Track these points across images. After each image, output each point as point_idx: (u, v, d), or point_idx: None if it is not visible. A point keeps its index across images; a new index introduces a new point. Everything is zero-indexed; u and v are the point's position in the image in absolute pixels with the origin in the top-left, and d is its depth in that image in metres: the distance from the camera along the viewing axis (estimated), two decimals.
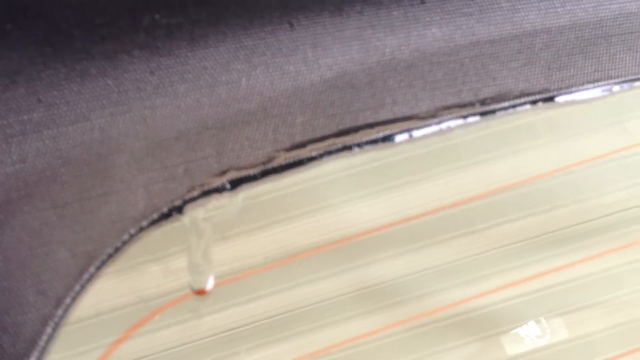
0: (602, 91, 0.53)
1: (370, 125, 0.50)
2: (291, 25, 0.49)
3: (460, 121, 0.51)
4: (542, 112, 0.53)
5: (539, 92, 0.52)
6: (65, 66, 0.46)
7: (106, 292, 0.51)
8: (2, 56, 0.45)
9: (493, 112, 0.52)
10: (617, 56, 0.54)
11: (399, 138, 0.50)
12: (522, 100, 0.52)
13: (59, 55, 0.46)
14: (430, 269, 0.56)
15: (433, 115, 0.51)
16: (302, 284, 0.54)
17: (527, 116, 0.55)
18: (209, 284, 0.51)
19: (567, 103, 0.53)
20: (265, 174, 0.49)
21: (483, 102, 0.51)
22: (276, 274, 0.54)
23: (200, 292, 0.51)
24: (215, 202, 0.48)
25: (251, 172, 0.48)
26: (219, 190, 0.48)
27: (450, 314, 0.56)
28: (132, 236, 0.46)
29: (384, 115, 0.50)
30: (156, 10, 0.47)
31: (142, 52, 0.47)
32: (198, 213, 0.48)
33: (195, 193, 0.48)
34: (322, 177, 0.53)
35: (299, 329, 0.54)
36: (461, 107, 0.51)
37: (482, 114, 0.52)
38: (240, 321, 0.53)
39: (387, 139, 0.50)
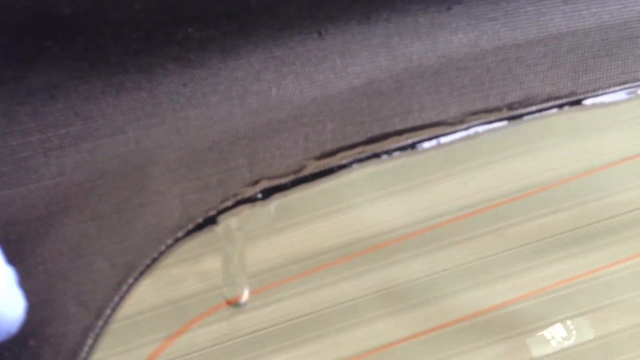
0: (628, 94, 0.53)
1: (399, 132, 0.50)
2: (320, 34, 0.50)
3: (487, 126, 0.51)
4: (566, 113, 0.53)
5: (566, 96, 0.52)
6: (101, 80, 0.47)
7: (142, 303, 0.51)
8: (42, 71, 0.46)
9: (520, 116, 0.52)
10: None
11: (426, 145, 0.51)
12: (549, 104, 0.52)
13: (95, 70, 0.47)
14: (452, 268, 0.56)
15: (461, 120, 0.51)
16: (324, 286, 0.55)
17: (550, 116, 0.55)
18: (244, 295, 0.51)
19: (594, 106, 0.53)
20: (296, 183, 0.49)
21: (510, 107, 0.52)
22: (299, 277, 0.54)
23: (234, 302, 0.52)
24: (248, 212, 0.49)
25: (282, 181, 0.49)
26: (252, 200, 0.49)
27: (474, 314, 0.56)
28: (168, 247, 0.47)
29: (412, 121, 0.50)
30: (189, 24, 0.48)
31: (175, 65, 0.48)
32: (231, 223, 0.49)
33: (229, 203, 0.48)
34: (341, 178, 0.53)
35: (324, 330, 0.55)
36: (489, 112, 0.51)
37: (510, 118, 0.52)
38: (264, 323, 0.54)
39: (415, 146, 0.51)
